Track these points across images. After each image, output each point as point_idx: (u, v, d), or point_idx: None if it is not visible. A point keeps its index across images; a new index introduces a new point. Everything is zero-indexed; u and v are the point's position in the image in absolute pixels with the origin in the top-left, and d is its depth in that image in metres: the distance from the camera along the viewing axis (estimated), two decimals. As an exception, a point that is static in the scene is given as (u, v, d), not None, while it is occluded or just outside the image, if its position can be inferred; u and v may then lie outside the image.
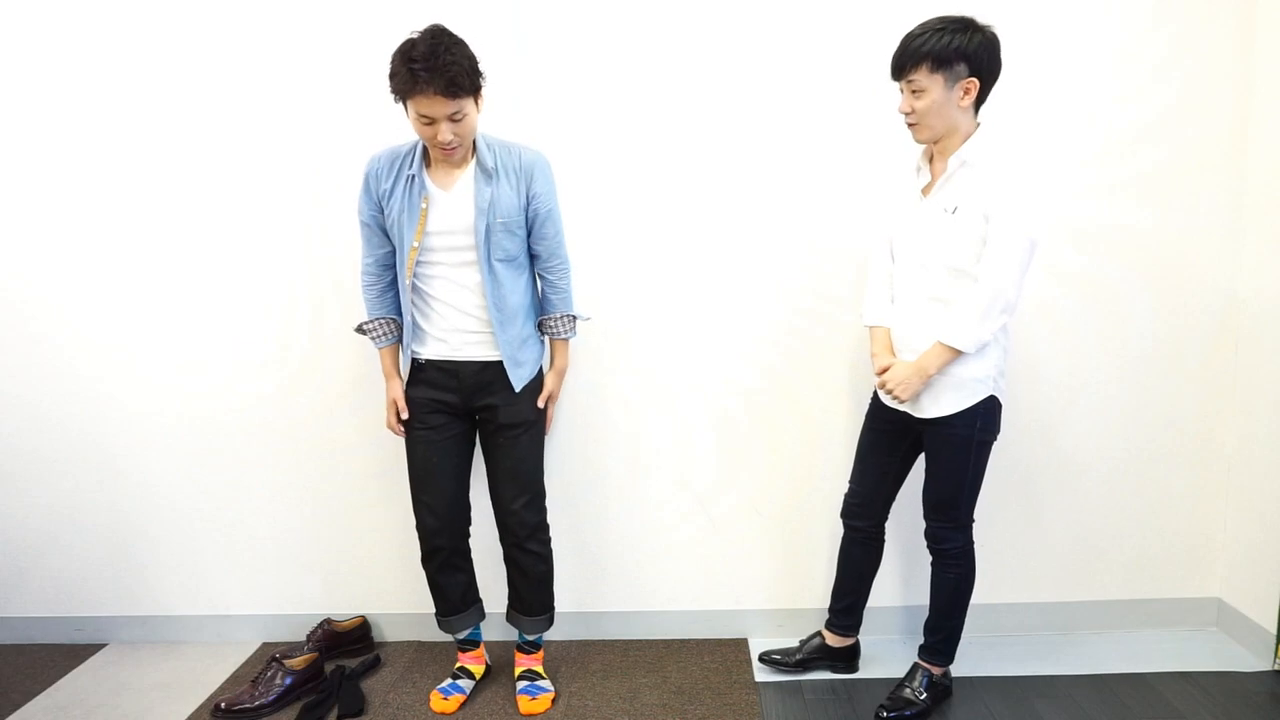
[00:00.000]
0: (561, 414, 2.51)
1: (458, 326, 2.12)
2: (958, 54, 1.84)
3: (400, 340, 2.24)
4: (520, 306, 2.16)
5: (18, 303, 2.55)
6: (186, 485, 2.61)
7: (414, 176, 2.05)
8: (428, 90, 1.86)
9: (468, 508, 2.31)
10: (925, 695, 2.19)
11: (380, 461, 2.53)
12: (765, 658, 2.40)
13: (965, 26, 1.85)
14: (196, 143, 2.43)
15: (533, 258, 2.20)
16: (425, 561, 2.29)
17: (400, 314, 2.21)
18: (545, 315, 2.25)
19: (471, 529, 2.33)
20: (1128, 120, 2.33)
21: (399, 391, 2.21)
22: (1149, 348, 2.43)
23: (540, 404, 2.23)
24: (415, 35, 1.91)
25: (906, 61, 1.87)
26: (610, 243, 2.43)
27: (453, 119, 1.92)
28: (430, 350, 2.15)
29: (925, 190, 2.01)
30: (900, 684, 2.23)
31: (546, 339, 2.28)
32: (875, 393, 2.21)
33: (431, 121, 1.92)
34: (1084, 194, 2.35)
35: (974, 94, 1.89)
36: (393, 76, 1.91)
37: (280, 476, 2.59)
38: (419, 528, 2.26)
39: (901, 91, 1.93)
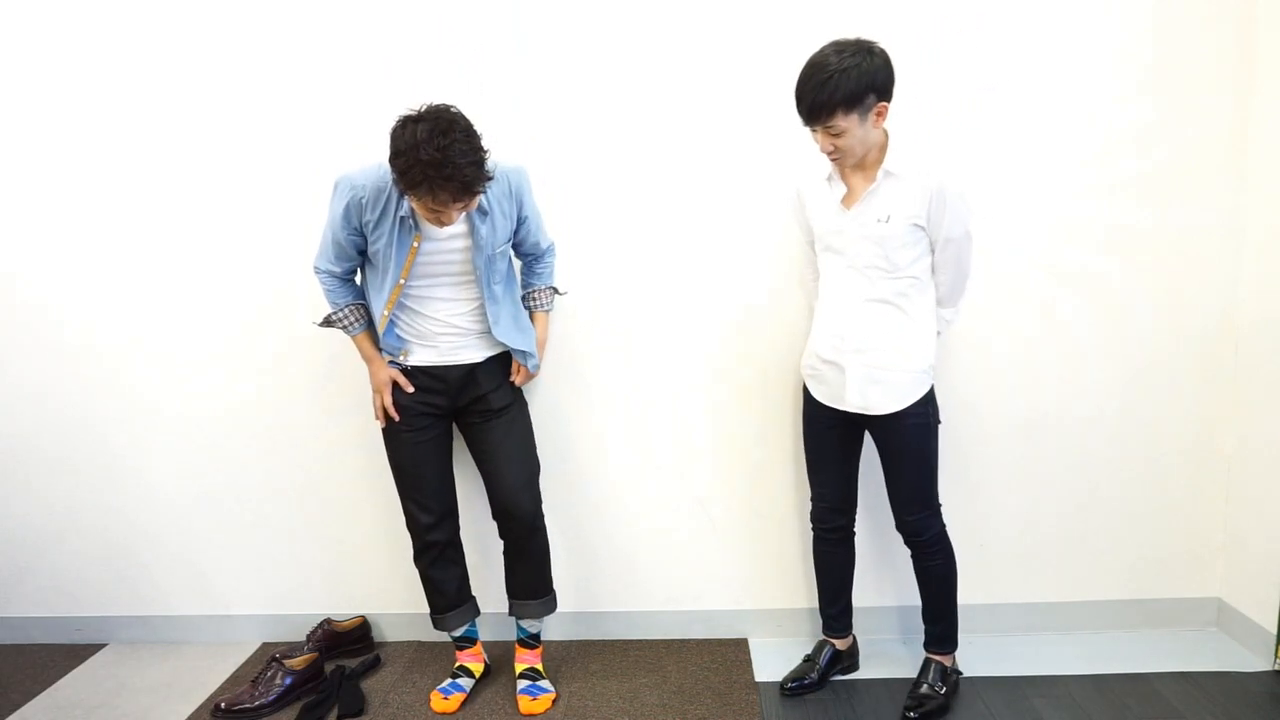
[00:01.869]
0: (561, 414, 2.51)
1: (448, 337, 2.13)
2: (866, 87, 1.83)
3: (371, 324, 2.18)
4: (517, 310, 2.22)
5: (18, 303, 2.55)
6: (187, 485, 2.61)
7: (405, 218, 1.99)
8: (442, 196, 1.81)
9: (456, 500, 2.31)
10: (943, 689, 2.21)
11: (380, 461, 2.51)
12: (787, 689, 2.32)
13: (859, 52, 1.83)
14: (196, 146, 2.43)
15: (521, 253, 2.25)
16: (418, 558, 2.29)
17: (362, 297, 2.18)
18: (529, 289, 2.28)
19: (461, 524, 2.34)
20: (1128, 120, 2.32)
21: (389, 371, 2.15)
22: (1149, 348, 2.43)
23: (521, 381, 2.25)
24: (415, 118, 1.80)
25: (820, 112, 1.85)
26: (611, 243, 2.43)
27: (463, 207, 1.90)
28: (416, 358, 2.15)
29: (846, 201, 2.03)
30: (916, 682, 2.24)
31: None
32: (807, 394, 2.22)
33: (439, 211, 1.87)
34: (1084, 194, 2.35)
35: (885, 115, 1.90)
36: (400, 172, 1.80)
37: (280, 476, 2.59)
38: (411, 525, 2.27)
39: (815, 132, 1.92)
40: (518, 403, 2.26)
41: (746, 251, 2.43)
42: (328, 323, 2.19)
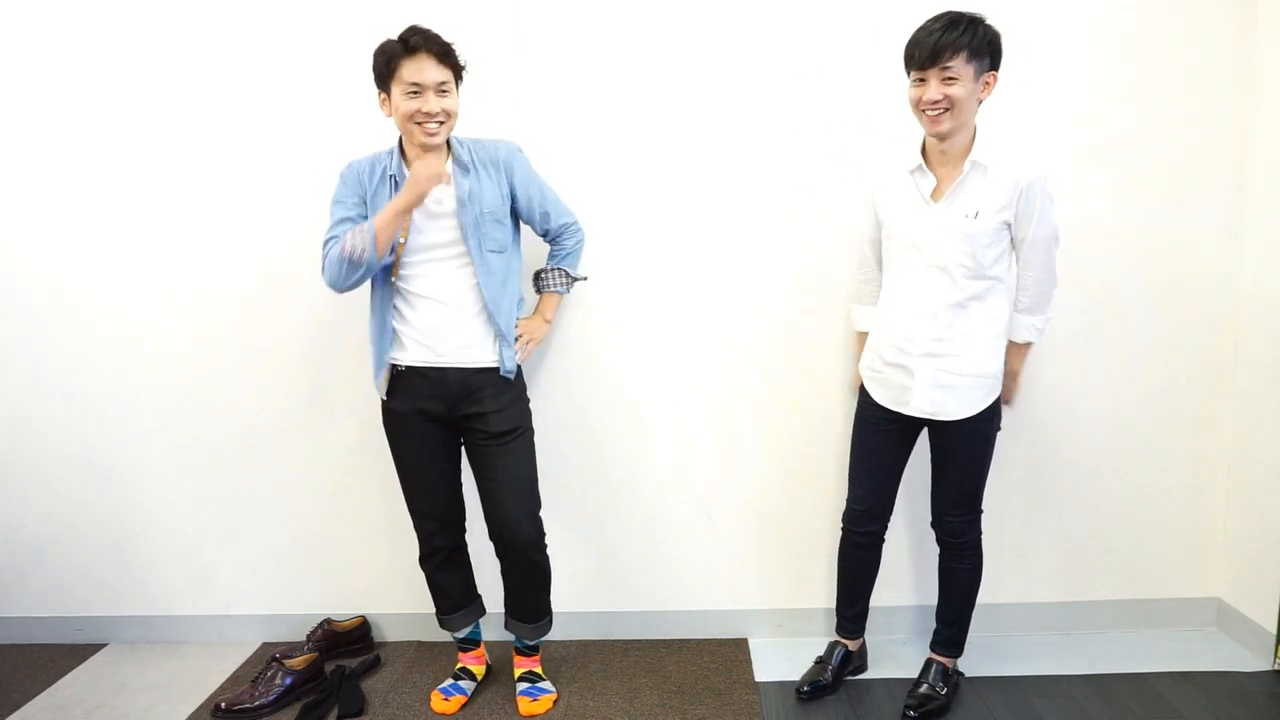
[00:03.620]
0: (561, 413, 2.51)
1: (445, 328, 2.08)
2: (989, 46, 1.87)
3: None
4: (513, 294, 2.17)
5: (18, 303, 2.55)
6: (186, 485, 2.61)
7: (394, 176, 2.05)
8: (419, 53, 1.92)
9: (463, 506, 2.29)
10: (944, 689, 2.20)
11: (380, 461, 2.52)
12: (803, 693, 2.28)
13: (981, 22, 1.87)
14: (194, 147, 2.43)
15: (545, 235, 2.26)
16: (424, 561, 2.29)
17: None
18: (541, 268, 2.29)
19: (469, 525, 2.33)
20: (1128, 120, 2.33)
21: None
22: (1149, 347, 2.43)
23: (522, 344, 2.21)
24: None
25: (946, 49, 1.84)
26: (610, 242, 2.43)
27: (440, 89, 1.96)
28: (412, 356, 2.10)
29: (935, 194, 2.00)
30: (917, 681, 2.24)
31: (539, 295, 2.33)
32: (865, 395, 2.20)
33: (419, 92, 1.94)
34: (1084, 194, 2.35)
35: (992, 89, 1.90)
36: (379, 54, 1.96)
37: (280, 476, 2.59)
38: (417, 530, 2.27)
39: (925, 81, 1.88)
40: (522, 430, 2.19)
41: (748, 252, 2.43)
42: (350, 254, 1.97)
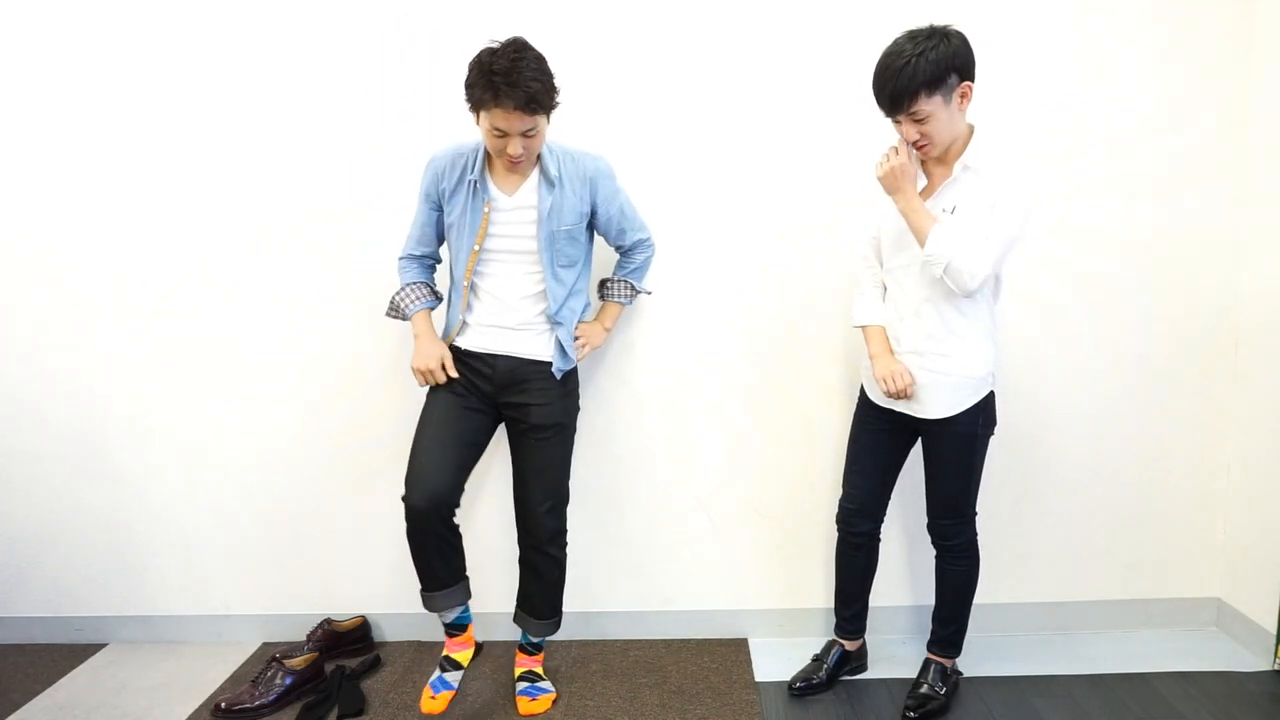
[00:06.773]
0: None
1: (500, 321, 2.13)
2: (947, 67, 1.81)
3: (433, 304, 2.23)
4: (577, 305, 2.21)
5: (19, 302, 2.55)
6: (187, 485, 2.61)
7: (475, 181, 2.05)
8: (506, 104, 1.86)
9: (450, 487, 2.13)
10: (943, 689, 2.20)
11: (381, 462, 2.53)
12: (795, 689, 2.30)
13: (937, 36, 1.81)
14: (200, 145, 2.43)
15: (618, 248, 2.27)
16: (407, 534, 2.20)
17: (427, 278, 2.24)
18: (609, 277, 2.31)
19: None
20: (1128, 120, 2.33)
21: (440, 348, 2.13)
22: (1149, 348, 2.43)
23: (578, 347, 2.22)
24: (495, 45, 1.89)
25: (903, 96, 1.82)
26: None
27: (525, 134, 1.93)
28: (468, 341, 2.16)
29: (924, 194, 2.00)
30: (916, 682, 2.24)
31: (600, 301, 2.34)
32: (863, 394, 2.20)
33: (504, 135, 1.92)
34: (1084, 194, 2.35)
35: (970, 96, 1.87)
36: (470, 86, 1.90)
37: (281, 476, 2.59)
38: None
39: (900, 122, 1.88)
40: (562, 427, 2.20)
41: (748, 251, 2.43)
42: (393, 309, 2.22)
